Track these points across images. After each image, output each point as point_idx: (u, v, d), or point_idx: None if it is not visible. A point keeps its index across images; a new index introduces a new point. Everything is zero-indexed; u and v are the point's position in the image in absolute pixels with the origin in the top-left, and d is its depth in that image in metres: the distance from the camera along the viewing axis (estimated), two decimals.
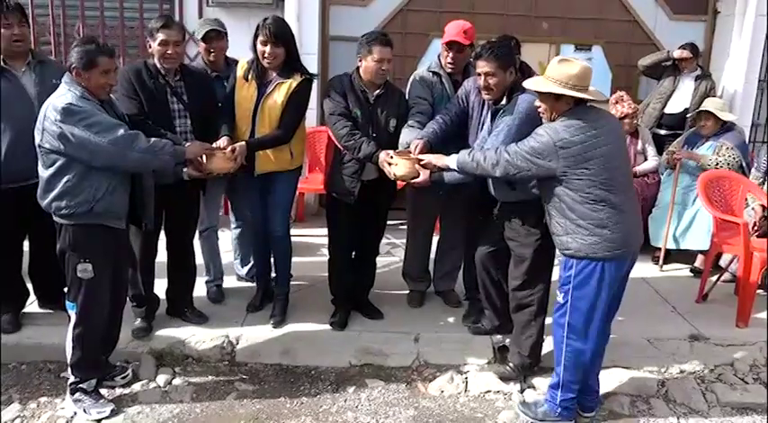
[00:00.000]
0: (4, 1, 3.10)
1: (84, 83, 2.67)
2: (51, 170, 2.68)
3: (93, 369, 2.94)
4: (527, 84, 2.75)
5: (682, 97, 5.05)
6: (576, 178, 2.59)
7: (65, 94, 2.64)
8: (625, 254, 2.70)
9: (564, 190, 2.63)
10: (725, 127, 4.52)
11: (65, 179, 2.67)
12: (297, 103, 3.30)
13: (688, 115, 4.93)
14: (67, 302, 2.87)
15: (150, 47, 3.15)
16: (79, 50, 2.65)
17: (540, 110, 2.72)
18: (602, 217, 2.61)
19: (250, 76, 3.29)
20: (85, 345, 2.86)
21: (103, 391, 3.00)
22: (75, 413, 2.89)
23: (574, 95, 2.60)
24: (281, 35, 3.20)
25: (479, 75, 3.04)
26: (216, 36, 3.58)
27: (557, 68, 2.63)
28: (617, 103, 4.81)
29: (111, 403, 2.93)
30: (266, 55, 3.21)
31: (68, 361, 2.89)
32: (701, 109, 4.55)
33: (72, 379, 2.90)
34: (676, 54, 5.05)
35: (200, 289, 3.74)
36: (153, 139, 2.78)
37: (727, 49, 5.45)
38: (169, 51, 3.10)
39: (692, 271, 4.58)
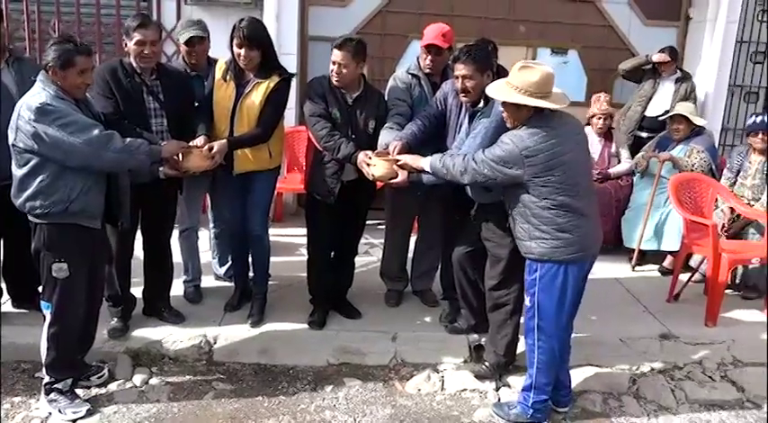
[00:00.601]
0: None
1: (59, 82, 2.64)
2: (25, 169, 2.65)
3: (69, 369, 2.92)
4: (489, 90, 2.78)
5: (662, 100, 5.10)
6: (540, 185, 2.64)
7: (39, 93, 2.61)
8: (586, 256, 2.78)
9: (528, 196, 2.68)
10: (695, 131, 4.62)
11: (39, 179, 2.64)
12: (275, 103, 3.31)
13: (662, 117, 4.98)
14: (42, 302, 2.84)
15: (126, 46, 3.12)
16: (57, 49, 2.62)
17: (503, 116, 2.75)
18: (563, 222, 2.67)
19: (228, 77, 3.30)
20: (61, 344, 2.84)
21: (79, 391, 2.98)
22: (50, 413, 2.86)
23: (534, 105, 2.62)
24: (255, 38, 3.19)
25: (457, 77, 3.08)
26: (198, 41, 3.55)
27: (518, 76, 2.64)
28: (595, 102, 4.92)
29: (86, 403, 2.91)
30: (241, 57, 3.21)
31: (43, 361, 2.86)
32: (673, 113, 4.64)
33: (47, 379, 2.88)
34: (655, 58, 5.10)
35: (177, 288, 3.73)
36: (128, 138, 2.76)
37: (698, 55, 5.58)
38: (146, 51, 3.08)
39: (659, 271, 4.68)
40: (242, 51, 3.19)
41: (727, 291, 3.97)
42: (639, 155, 4.84)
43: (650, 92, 5.16)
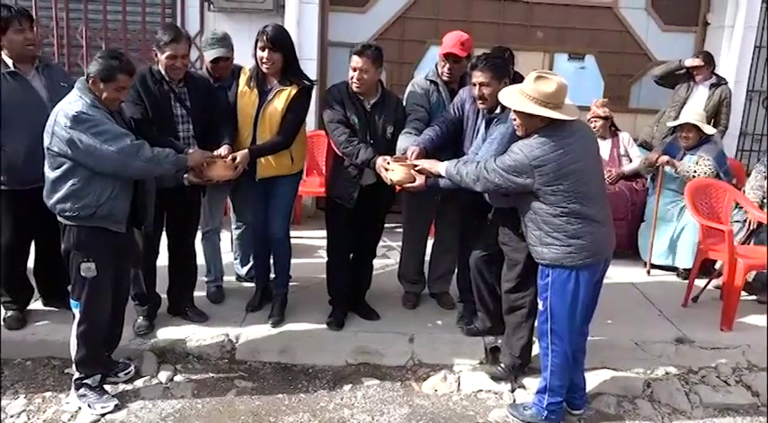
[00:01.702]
0: (12, 6, 3.17)
1: (97, 92, 2.76)
2: (57, 173, 2.77)
3: (98, 365, 3.03)
4: (502, 97, 2.81)
5: (695, 106, 4.91)
6: (550, 194, 2.68)
7: (76, 100, 2.73)
8: (597, 261, 2.81)
9: (539, 204, 2.73)
10: (703, 139, 4.55)
11: (70, 182, 2.76)
12: (296, 110, 3.40)
13: (670, 124, 4.86)
14: (72, 301, 2.96)
15: (156, 56, 3.23)
16: (102, 63, 2.74)
17: (514, 124, 2.79)
18: (575, 228, 2.71)
19: (252, 84, 3.39)
20: (89, 341, 2.94)
21: (107, 387, 3.08)
22: (80, 408, 2.97)
23: (549, 116, 2.66)
24: (278, 41, 3.28)
25: (474, 84, 3.14)
26: (224, 60, 3.61)
27: (533, 86, 2.67)
28: (595, 105, 4.96)
29: (114, 399, 3.01)
30: (264, 60, 3.30)
31: (73, 357, 2.97)
32: (683, 122, 4.56)
33: (77, 375, 2.99)
34: (687, 63, 4.97)
35: (200, 288, 3.83)
36: (156, 148, 2.87)
37: (716, 60, 5.55)
38: (177, 64, 3.20)
39: (677, 275, 4.67)
40: (265, 54, 3.28)
41: (743, 296, 3.97)
42: (643, 157, 4.81)
43: (684, 97, 5.02)
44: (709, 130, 4.57)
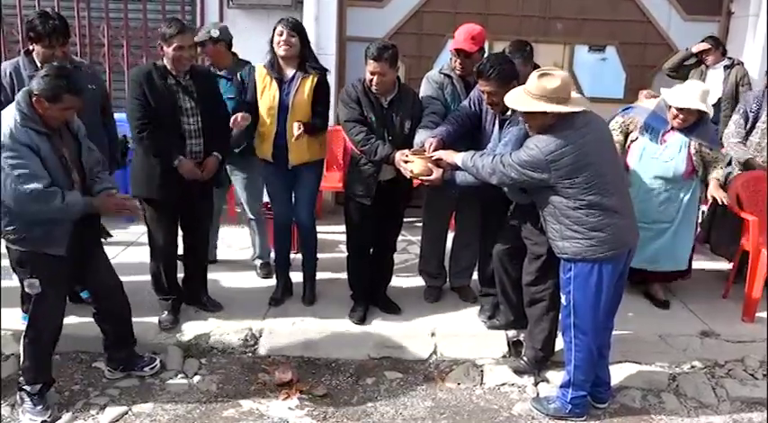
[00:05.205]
0: (52, 18, 3.16)
1: (40, 110, 2.58)
2: None
3: (40, 375, 2.89)
4: (508, 101, 2.78)
5: (712, 90, 4.35)
6: (568, 187, 2.66)
7: (11, 116, 2.56)
8: (620, 253, 2.78)
9: (557, 197, 2.71)
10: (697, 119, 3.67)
11: None
12: (324, 93, 3.55)
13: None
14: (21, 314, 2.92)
15: (163, 50, 3.24)
16: (49, 81, 2.55)
17: (525, 126, 2.77)
18: (595, 221, 2.68)
19: (269, 76, 3.44)
20: (32, 353, 2.84)
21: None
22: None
23: (561, 111, 2.62)
24: (296, 27, 3.42)
25: (483, 91, 3.14)
26: (210, 43, 3.82)
27: (537, 84, 2.64)
28: (640, 100, 4.65)
29: (48, 412, 2.84)
30: (282, 42, 3.38)
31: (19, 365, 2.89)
32: (686, 106, 3.57)
33: (21, 379, 2.89)
34: (695, 48, 4.88)
35: (229, 279, 4.06)
36: (69, 196, 2.62)
37: (740, 50, 5.46)
38: (185, 55, 3.22)
39: (655, 304, 4.01)
40: (283, 37, 3.38)
41: None
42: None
43: None
44: (709, 109, 3.68)
